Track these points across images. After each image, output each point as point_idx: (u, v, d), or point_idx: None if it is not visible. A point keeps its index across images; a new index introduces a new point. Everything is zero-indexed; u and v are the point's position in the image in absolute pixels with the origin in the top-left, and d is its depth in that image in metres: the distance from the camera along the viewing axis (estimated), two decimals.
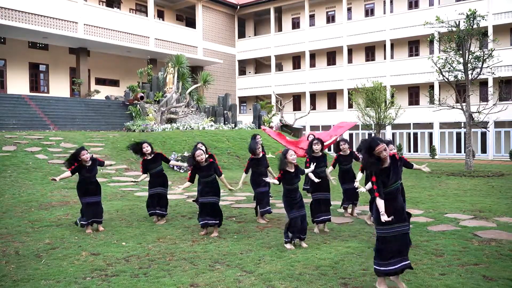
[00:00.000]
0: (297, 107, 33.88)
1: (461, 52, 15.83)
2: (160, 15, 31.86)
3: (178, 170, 13.75)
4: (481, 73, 15.80)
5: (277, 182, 5.53)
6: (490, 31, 23.92)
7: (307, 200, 6.68)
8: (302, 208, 5.50)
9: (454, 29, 16.10)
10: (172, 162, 7.55)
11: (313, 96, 33.19)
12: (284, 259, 4.91)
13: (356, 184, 6.14)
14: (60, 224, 6.84)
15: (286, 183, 5.48)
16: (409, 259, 4.02)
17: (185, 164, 7.49)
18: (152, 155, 7.13)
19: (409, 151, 28.35)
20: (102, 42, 23.95)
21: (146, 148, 7.04)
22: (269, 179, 5.92)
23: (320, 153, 6.75)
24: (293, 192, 5.48)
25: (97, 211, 6.45)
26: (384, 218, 3.83)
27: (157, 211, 7.04)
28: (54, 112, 19.71)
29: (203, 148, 6.80)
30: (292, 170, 5.45)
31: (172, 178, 11.38)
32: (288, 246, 5.41)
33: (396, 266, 3.91)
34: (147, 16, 28.35)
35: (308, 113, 27.88)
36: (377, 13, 30.48)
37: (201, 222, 6.19)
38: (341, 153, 7.45)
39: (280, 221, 7.05)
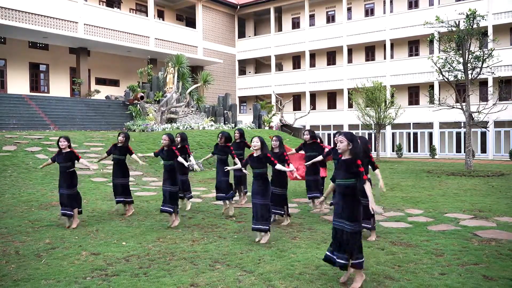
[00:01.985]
0: (297, 107, 33.89)
1: (461, 52, 15.83)
2: (160, 15, 31.86)
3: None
4: (481, 73, 15.80)
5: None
6: (490, 31, 23.93)
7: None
8: (254, 195, 5.85)
9: (454, 29, 16.09)
10: (180, 159, 7.11)
11: (313, 96, 33.19)
12: (284, 259, 4.91)
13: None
14: (60, 224, 6.84)
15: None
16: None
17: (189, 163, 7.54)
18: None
19: (409, 151, 28.36)
20: (102, 42, 23.95)
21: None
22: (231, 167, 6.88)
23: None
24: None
25: (64, 203, 6.67)
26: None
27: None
28: (54, 112, 19.71)
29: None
30: (255, 155, 5.86)
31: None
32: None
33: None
34: (147, 16, 28.35)
35: (308, 113, 27.89)
36: (377, 13, 30.48)
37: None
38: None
39: (280, 220, 7.06)
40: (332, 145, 8.34)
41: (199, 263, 4.82)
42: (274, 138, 7.03)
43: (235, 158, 7.59)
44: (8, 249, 5.39)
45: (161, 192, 7.18)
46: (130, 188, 7.93)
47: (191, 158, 7.72)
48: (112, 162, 7.93)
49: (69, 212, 6.66)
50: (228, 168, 7.02)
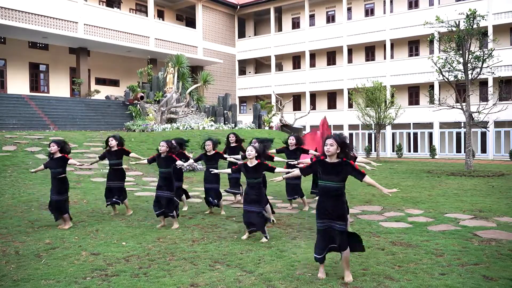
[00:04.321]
0: (297, 107, 33.88)
1: (461, 52, 15.83)
2: (160, 15, 31.86)
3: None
4: (481, 73, 15.80)
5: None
6: (490, 31, 23.92)
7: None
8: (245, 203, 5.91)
9: (454, 29, 16.10)
10: (179, 163, 6.97)
11: (313, 96, 33.19)
12: (284, 259, 4.91)
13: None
14: (60, 224, 6.83)
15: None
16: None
17: (187, 164, 7.45)
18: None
19: (409, 151, 28.36)
20: (102, 42, 23.95)
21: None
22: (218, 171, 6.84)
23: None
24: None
25: (54, 208, 6.58)
26: None
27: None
28: (54, 112, 19.71)
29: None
30: (250, 165, 5.81)
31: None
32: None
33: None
34: (147, 16, 28.35)
35: (308, 113, 27.88)
36: (377, 13, 30.48)
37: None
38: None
39: (280, 221, 7.06)
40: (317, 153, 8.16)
41: (199, 263, 4.82)
42: (290, 137, 7.79)
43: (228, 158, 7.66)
44: (8, 249, 5.39)
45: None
46: (131, 188, 7.90)
47: (179, 162, 7.34)
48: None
49: (57, 215, 6.65)
50: (215, 171, 6.82)
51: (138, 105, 21.42)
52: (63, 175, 6.65)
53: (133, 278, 4.34)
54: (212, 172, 6.99)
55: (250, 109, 35.30)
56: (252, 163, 5.78)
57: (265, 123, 24.99)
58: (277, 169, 5.83)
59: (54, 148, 6.56)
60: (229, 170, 6.59)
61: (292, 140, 8.07)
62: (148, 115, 20.83)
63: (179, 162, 6.70)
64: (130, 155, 7.64)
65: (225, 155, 7.80)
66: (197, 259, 4.97)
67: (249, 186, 5.85)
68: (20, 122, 17.58)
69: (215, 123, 22.40)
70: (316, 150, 8.36)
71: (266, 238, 5.78)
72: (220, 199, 7.69)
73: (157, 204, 6.64)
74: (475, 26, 15.61)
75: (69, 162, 6.67)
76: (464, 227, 6.47)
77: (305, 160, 7.09)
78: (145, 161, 7.01)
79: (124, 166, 7.83)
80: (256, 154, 5.78)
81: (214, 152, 7.57)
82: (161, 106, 20.90)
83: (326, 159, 4.25)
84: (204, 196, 7.98)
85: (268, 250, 5.29)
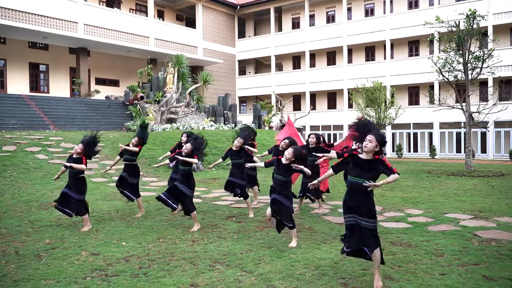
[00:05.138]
0: (297, 107, 33.89)
1: (461, 52, 15.83)
2: (160, 15, 31.86)
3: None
4: (481, 73, 15.80)
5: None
6: (490, 31, 23.93)
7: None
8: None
9: (454, 29, 16.10)
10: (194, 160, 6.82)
11: (313, 96, 33.19)
12: (284, 259, 4.91)
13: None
14: (60, 224, 6.84)
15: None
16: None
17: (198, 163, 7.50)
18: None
19: (409, 151, 28.36)
20: (102, 42, 23.95)
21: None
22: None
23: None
24: None
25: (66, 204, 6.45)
26: None
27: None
28: (54, 112, 19.71)
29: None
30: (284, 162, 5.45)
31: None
32: None
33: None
34: (147, 16, 28.35)
35: (308, 113, 27.88)
36: (377, 13, 30.48)
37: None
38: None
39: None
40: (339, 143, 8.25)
41: (199, 263, 4.81)
42: (311, 135, 7.71)
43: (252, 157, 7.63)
44: (8, 249, 5.39)
45: (160, 192, 7.12)
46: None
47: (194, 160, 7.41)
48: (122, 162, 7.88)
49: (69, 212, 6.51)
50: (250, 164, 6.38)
51: (138, 105, 21.42)
52: (82, 175, 6.57)
53: (133, 278, 4.34)
54: (247, 166, 6.47)
55: (250, 109, 35.30)
56: (286, 160, 5.44)
57: (265, 123, 25.00)
58: (306, 170, 5.46)
59: (77, 148, 6.59)
60: (262, 164, 6.12)
61: (312, 139, 7.73)
62: (148, 115, 20.84)
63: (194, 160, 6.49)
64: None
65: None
66: (197, 259, 4.97)
67: (277, 183, 5.56)
68: (20, 122, 17.58)
69: (215, 123, 22.39)
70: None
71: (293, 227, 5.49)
72: (246, 197, 7.55)
73: (172, 196, 6.41)
74: (475, 26, 15.61)
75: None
76: (464, 227, 6.47)
77: (331, 154, 6.46)
78: (167, 161, 6.98)
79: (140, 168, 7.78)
80: (294, 157, 5.38)
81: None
82: (161, 106, 20.90)
83: (360, 155, 4.09)
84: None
85: (268, 250, 5.29)
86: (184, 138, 7.66)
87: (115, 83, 28.50)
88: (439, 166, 18.25)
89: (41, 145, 13.12)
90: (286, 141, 6.88)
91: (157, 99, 22.85)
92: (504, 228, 6.36)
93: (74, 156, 6.56)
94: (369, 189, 4.01)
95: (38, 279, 4.30)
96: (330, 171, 4.49)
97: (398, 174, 4.02)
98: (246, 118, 30.37)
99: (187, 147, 6.41)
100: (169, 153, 8.05)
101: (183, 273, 4.47)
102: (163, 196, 6.34)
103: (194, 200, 9.24)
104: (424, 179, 13.09)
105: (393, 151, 28.48)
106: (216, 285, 4.12)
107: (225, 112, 24.17)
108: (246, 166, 6.60)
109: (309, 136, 7.96)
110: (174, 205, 6.37)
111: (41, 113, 19.02)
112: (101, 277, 4.37)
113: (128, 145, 7.50)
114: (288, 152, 5.40)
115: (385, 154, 5.57)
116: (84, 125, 19.55)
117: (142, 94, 21.96)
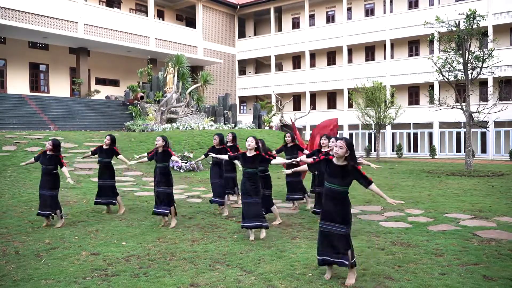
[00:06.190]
0: (297, 107, 33.89)
1: (461, 52, 15.83)
2: (160, 15, 31.86)
3: (178, 169, 13.74)
4: (481, 73, 15.81)
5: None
6: (490, 31, 23.92)
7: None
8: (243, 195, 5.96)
9: (454, 29, 16.10)
10: (174, 158, 6.99)
11: (313, 96, 33.19)
12: (284, 259, 4.91)
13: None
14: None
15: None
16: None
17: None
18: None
19: (409, 151, 28.36)
20: (102, 42, 23.95)
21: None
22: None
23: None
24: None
25: (45, 203, 6.76)
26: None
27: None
28: (54, 112, 19.71)
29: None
30: (249, 155, 5.87)
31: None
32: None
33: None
34: (147, 16, 28.35)
35: (308, 113, 27.88)
36: (377, 13, 30.48)
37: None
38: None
39: (281, 221, 7.05)
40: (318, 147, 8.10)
41: (199, 263, 4.82)
42: (287, 134, 8.04)
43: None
44: (8, 249, 5.39)
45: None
46: (131, 188, 7.92)
47: (175, 158, 7.07)
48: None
49: (47, 213, 6.74)
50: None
51: (138, 105, 21.42)
52: (55, 171, 6.98)
53: (133, 278, 4.34)
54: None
55: (250, 109, 35.30)
56: (251, 153, 5.91)
57: (265, 123, 25.00)
58: (276, 160, 6.05)
59: (48, 146, 6.86)
60: (225, 156, 6.86)
61: (288, 137, 8.19)
62: (148, 115, 20.84)
63: (174, 158, 6.92)
64: (119, 156, 7.86)
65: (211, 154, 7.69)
66: (197, 259, 4.97)
67: (246, 177, 5.95)
68: (20, 122, 17.58)
69: (215, 123, 22.40)
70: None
71: (266, 228, 5.94)
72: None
73: (157, 200, 6.86)
74: (475, 26, 15.61)
75: (62, 169, 6.93)
76: (464, 227, 6.47)
77: (306, 159, 6.73)
78: (146, 159, 7.17)
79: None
80: (256, 146, 5.90)
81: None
82: (161, 106, 20.90)
83: (334, 160, 4.24)
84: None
85: (268, 250, 5.30)
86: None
87: (115, 83, 28.50)
88: (439, 166, 18.25)
89: (41, 145, 13.12)
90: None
91: (157, 99, 22.85)
92: (504, 228, 6.36)
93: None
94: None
95: (38, 279, 4.30)
96: (305, 166, 4.88)
97: (372, 182, 4.27)
98: (246, 118, 30.37)
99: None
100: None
101: (183, 273, 4.47)
102: (155, 210, 6.86)
103: (194, 200, 9.26)
104: (424, 179, 13.09)
105: (393, 151, 28.48)
106: (216, 285, 4.12)
107: (225, 112, 24.18)
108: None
109: (285, 135, 8.39)
110: (166, 211, 6.78)
111: (41, 113, 19.02)
112: (101, 277, 4.38)
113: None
114: (250, 140, 5.87)
115: (360, 164, 5.81)
116: (84, 125, 19.55)
117: (142, 94, 21.96)
